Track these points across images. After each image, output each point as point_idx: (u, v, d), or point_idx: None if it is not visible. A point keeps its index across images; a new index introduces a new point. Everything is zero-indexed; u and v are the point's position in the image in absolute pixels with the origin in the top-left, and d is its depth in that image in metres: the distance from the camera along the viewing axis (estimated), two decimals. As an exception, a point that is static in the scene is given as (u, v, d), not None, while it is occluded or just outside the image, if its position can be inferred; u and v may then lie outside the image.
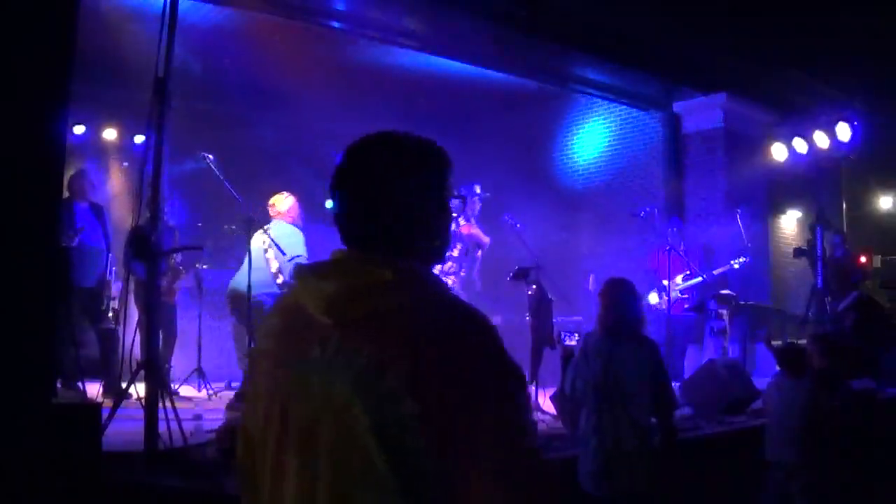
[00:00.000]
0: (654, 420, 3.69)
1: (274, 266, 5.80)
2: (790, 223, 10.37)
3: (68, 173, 5.81)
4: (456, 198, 1.37)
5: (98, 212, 6.26)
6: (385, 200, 1.28)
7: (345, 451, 1.15)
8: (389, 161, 1.30)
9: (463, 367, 1.14)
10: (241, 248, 5.99)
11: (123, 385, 4.21)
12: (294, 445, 1.20)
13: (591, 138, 10.27)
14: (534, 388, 5.67)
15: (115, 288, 6.66)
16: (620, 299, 3.81)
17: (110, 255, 6.36)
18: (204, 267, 7.88)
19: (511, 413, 1.15)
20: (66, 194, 5.84)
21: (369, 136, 1.34)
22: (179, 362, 7.37)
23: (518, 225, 6.63)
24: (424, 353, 1.13)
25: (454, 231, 6.15)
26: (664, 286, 7.55)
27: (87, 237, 6.04)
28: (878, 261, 9.88)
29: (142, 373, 4.08)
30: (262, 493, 1.27)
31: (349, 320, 1.19)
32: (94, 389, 5.60)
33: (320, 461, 1.17)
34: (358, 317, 1.19)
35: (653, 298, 7.74)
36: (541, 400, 5.52)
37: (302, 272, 1.30)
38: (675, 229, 7.97)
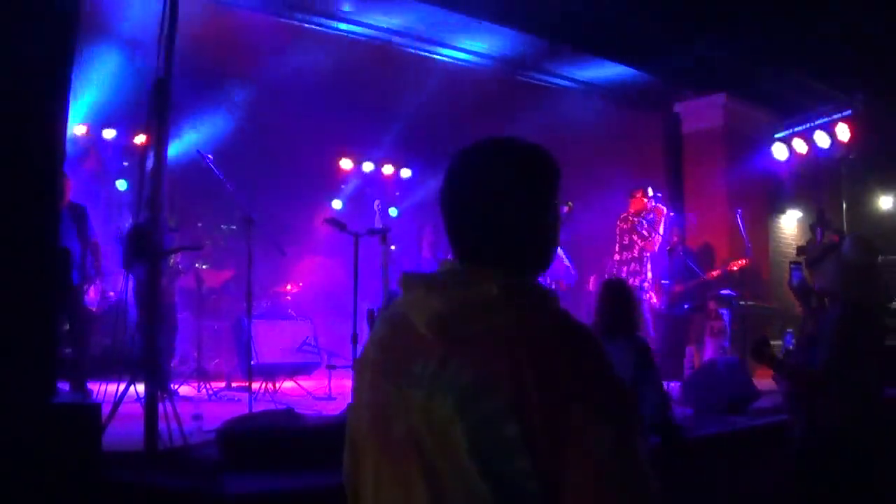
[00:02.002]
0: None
1: None
2: (790, 223, 10.38)
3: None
4: (564, 204, 1.34)
5: (75, 213, 6.18)
6: (494, 210, 1.24)
7: (443, 470, 1.13)
8: (498, 169, 1.26)
9: (569, 388, 1.10)
10: (242, 247, 5.99)
11: (123, 385, 4.21)
12: (393, 459, 1.19)
13: (591, 138, 10.26)
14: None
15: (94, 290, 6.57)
16: (612, 301, 3.85)
17: (84, 255, 6.25)
18: (204, 267, 7.89)
19: (619, 434, 1.10)
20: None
21: (476, 144, 1.30)
22: (179, 362, 7.38)
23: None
24: (529, 373, 1.10)
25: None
26: (664, 286, 7.56)
27: (64, 236, 5.95)
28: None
29: (142, 373, 4.08)
30: (365, 500, 1.26)
31: (453, 338, 1.16)
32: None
33: (418, 477, 1.15)
34: (462, 335, 1.16)
35: (652, 298, 7.75)
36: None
37: (410, 283, 1.27)
38: (675, 229, 7.99)
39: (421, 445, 1.15)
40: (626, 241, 7.60)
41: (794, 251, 8.59)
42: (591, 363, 1.15)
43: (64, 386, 5.58)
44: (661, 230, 7.44)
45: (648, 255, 7.48)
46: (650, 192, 7.66)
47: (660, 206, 7.65)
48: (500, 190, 1.24)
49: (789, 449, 3.49)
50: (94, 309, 6.32)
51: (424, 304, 1.21)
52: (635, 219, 7.52)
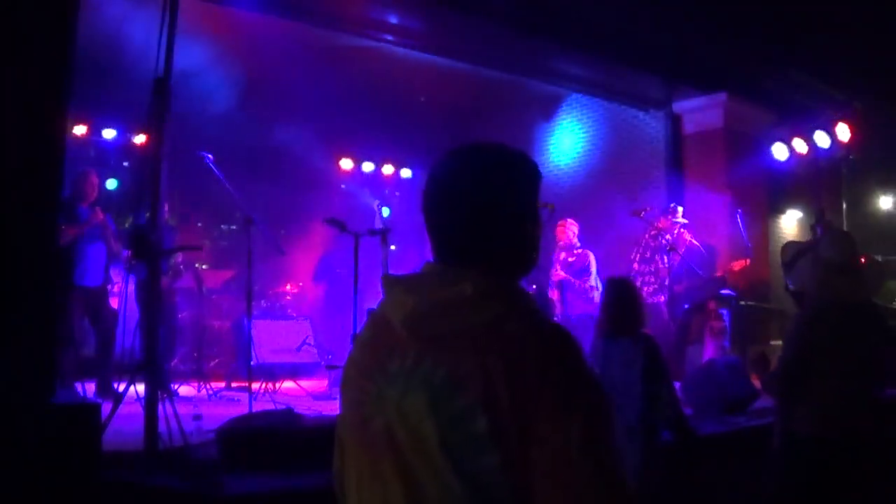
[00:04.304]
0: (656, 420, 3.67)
1: None
2: (790, 223, 10.37)
3: (69, 173, 5.81)
4: (544, 207, 1.35)
5: (101, 214, 6.24)
6: (476, 212, 1.26)
7: (418, 467, 1.16)
8: (480, 173, 1.28)
9: (539, 385, 1.11)
10: (242, 247, 5.99)
11: (123, 385, 4.21)
12: (371, 456, 1.22)
13: (592, 138, 10.28)
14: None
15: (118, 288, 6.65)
16: (616, 299, 3.83)
17: (110, 256, 6.35)
18: (204, 267, 7.90)
19: (589, 430, 1.12)
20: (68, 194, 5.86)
21: (458, 148, 1.33)
22: (179, 362, 7.38)
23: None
24: (498, 370, 1.12)
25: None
26: (665, 285, 7.57)
27: (88, 238, 6.04)
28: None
29: (142, 373, 4.08)
30: (349, 497, 1.29)
31: (427, 336, 1.20)
32: (90, 389, 5.61)
33: (394, 474, 1.18)
34: (436, 333, 1.19)
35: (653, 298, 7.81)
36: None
37: (389, 283, 1.30)
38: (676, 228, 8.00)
39: (396, 442, 1.18)
40: (647, 255, 7.86)
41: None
42: (563, 360, 1.16)
43: (91, 386, 5.63)
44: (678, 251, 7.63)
45: (665, 275, 7.71)
46: (679, 215, 7.91)
47: (685, 231, 7.85)
48: (483, 193, 1.27)
49: (770, 457, 3.38)
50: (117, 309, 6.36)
51: (401, 304, 1.24)
52: (662, 240, 7.68)
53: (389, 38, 7.34)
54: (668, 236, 7.70)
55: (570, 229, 7.61)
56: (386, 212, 10.33)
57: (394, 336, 1.23)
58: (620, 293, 3.84)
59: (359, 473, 1.25)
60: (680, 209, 8.00)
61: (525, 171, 1.32)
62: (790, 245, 7.08)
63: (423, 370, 1.17)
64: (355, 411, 1.27)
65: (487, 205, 1.26)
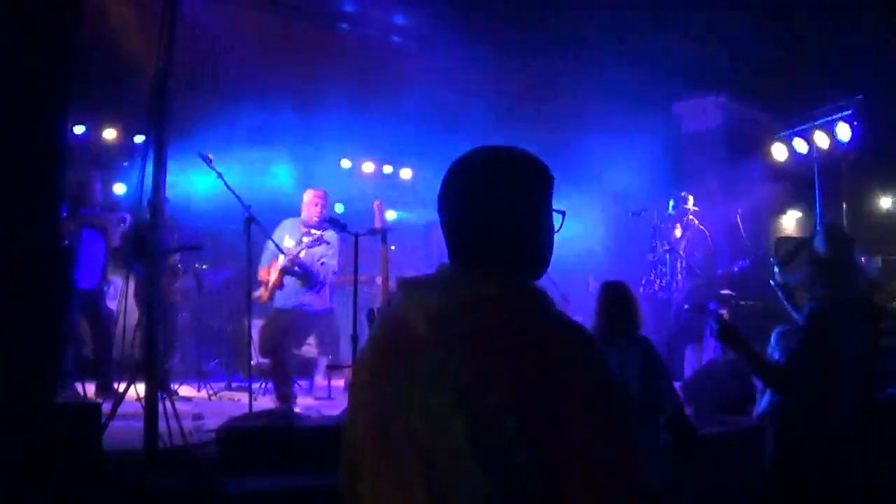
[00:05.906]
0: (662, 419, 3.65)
1: None
2: (790, 223, 10.38)
3: (71, 176, 5.81)
4: (558, 212, 1.37)
5: (101, 216, 6.23)
6: (492, 214, 1.28)
7: (443, 468, 1.15)
8: (497, 175, 1.30)
9: (567, 386, 1.12)
10: (241, 247, 5.98)
11: (123, 385, 4.21)
12: (392, 459, 1.21)
13: (591, 138, 10.26)
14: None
15: (115, 288, 6.65)
16: (610, 302, 3.83)
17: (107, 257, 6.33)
18: (204, 267, 7.89)
19: (615, 428, 1.13)
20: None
21: (475, 151, 1.35)
22: (179, 362, 7.37)
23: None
24: (527, 371, 1.12)
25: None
26: (665, 285, 7.57)
27: (86, 241, 6.03)
28: (878, 261, 9.88)
29: (142, 373, 4.08)
30: (364, 499, 1.27)
31: (452, 336, 1.19)
32: (90, 390, 5.62)
33: (418, 477, 1.17)
34: (461, 333, 1.18)
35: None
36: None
37: (407, 285, 1.31)
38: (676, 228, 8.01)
39: (420, 444, 1.17)
40: (658, 251, 7.95)
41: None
42: (586, 359, 1.17)
43: (91, 386, 5.63)
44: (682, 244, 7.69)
45: (680, 263, 7.73)
46: (691, 203, 7.97)
47: (695, 219, 7.90)
48: (500, 196, 1.29)
49: (762, 462, 3.32)
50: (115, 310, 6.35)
51: (423, 305, 1.24)
52: (666, 243, 7.74)
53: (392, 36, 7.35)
54: (677, 224, 7.69)
55: None
56: (393, 214, 10.29)
57: (415, 337, 1.22)
58: (614, 295, 3.84)
59: (376, 476, 1.24)
60: (691, 198, 7.97)
61: (542, 175, 1.35)
62: (785, 240, 7.05)
63: (449, 371, 1.16)
64: (373, 414, 1.26)
65: (503, 206, 1.29)
